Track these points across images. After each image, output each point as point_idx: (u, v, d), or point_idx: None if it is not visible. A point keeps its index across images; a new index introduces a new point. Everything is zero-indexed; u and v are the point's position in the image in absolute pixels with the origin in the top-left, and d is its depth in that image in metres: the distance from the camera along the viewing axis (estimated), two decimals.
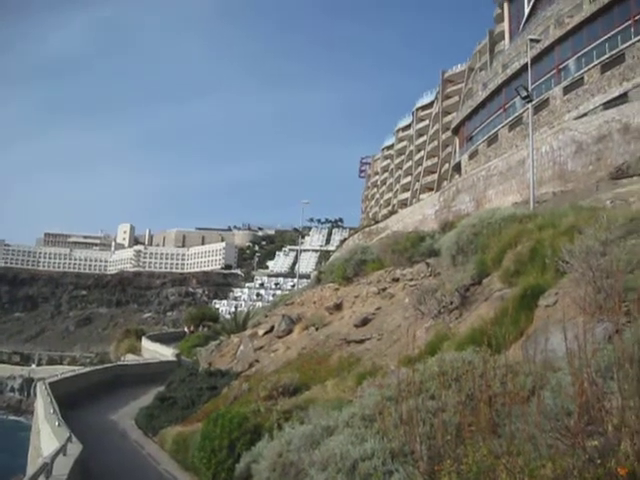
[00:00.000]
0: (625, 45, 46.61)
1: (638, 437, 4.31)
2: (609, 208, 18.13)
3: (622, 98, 44.75)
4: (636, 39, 45.79)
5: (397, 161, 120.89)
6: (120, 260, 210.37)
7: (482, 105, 66.97)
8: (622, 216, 11.84)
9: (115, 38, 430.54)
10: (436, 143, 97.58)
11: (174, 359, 38.35)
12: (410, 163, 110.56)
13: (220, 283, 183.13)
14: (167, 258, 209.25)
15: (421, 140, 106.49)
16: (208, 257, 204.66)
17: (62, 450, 11.39)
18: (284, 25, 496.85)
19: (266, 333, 27.18)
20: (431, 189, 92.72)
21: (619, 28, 47.90)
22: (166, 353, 43.07)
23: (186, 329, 63.96)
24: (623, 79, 46.20)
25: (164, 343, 50.01)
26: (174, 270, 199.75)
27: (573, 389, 4.95)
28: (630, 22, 46.84)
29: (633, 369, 4.88)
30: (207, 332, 48.55)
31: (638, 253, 8.77)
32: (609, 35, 48.72)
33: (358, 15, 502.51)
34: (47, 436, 14.52)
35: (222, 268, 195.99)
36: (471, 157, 66.47)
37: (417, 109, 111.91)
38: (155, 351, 46.52)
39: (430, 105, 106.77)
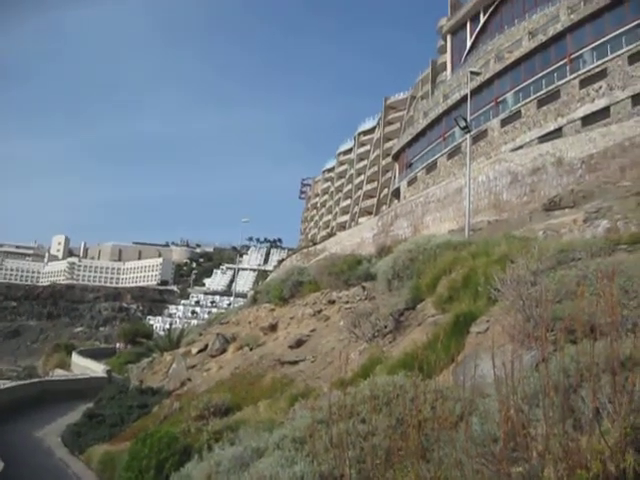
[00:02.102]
0: (561, 82, 48.28)
1: (561, 464, 4.41)
2: (541, 238, 18.61)
3: (557, 133, 46.23)
4: (571, 77, 47.48)
5: (337, 184, 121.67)
6: (53, 272, 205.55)
7: (422, 133, 68.18)
8: (553, 247, 12.18)
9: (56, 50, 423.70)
10: (376, 168, 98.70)
11: (105, 375, 37.59)
12: (350, 186, 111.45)
13: (155, 299, 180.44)
14: (102, 272, 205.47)
15: (362, 164, 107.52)
16: (144, 272, 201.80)
17: None
18: (233, 45, 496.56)
19: (200, 352, 26.88)
20: (370, 213, 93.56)
21: (556, 65, 49.65)
22: (97, 369, 42.19)
23: (118, 345, 62.79)
24: (558, 115, 47.76)
25: (95, 359, 49.01)
26: (109, 284, 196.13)
27: (500, 416, 5.04)
28: (566, 60, 48.57)
29: (558, 397, 5.00)
30: (140, 349, 47.73)
31: (567, 283, 9.02)
32: (546, 72, 50.44)
33: (314, 35, 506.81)
34: None
35: (158, 284, 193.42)
36: (410, 183, 67.44)
37: (359, 134, 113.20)
38: (86, 367, 45.56)
39: (372, 130, 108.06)
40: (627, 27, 45.15)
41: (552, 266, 10.75)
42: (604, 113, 44.13)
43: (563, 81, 48.15)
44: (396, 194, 73.84)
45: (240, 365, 21.00)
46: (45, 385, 32.61)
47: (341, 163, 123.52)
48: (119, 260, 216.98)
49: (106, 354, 57.07)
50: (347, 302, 20.94)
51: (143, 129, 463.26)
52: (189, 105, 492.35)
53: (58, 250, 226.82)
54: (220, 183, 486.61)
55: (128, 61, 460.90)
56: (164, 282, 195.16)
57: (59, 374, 44.62)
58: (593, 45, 47.12)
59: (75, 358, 51.86)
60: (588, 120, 44.80)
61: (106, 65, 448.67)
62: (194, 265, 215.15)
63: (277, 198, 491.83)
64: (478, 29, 68.87)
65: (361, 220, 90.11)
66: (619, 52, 44.67)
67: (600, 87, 45.23)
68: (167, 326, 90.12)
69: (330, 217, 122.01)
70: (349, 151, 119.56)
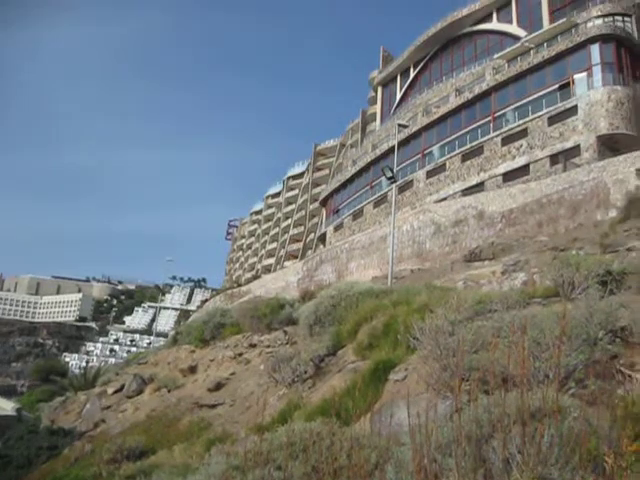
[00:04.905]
0: (484, 138, 50.10)
1: None
2: (461, 289, 19.05)
3: (479, 187, 47.78)
4: (494, 134, 49.34)
5: (264, 227, 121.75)
6: None
7: (350, 180, 69.29)
8: (471, 298, 12.48)
9: None
10: (304, 212, 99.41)
11: (14, 414, 36.07)
12: (277, 230, 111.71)
13: (73, 336, 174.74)
14: (17, 305, 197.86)
15: (289, 208, 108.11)
16: (62, 307, 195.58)
17: None
18: (163, 83, 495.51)
19: (116, 392, 26.18)
20: (296, 257, 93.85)
21: (480, 122, 51.56)
22: (6, 407, 40.42)
23: (22, 382, 60.66)
24: (481, 169, 49.39)
25: (4, 396, 47.04)
26: (24, 318, 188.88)
27: (414, 465, 5.10)
28: (490, 118, 50.48)
29: (470, 447, 5.10)
30: (53, 387, 46.10)
31: (483, 335, 9.22)
32: (471, 128, 52.30)
33: (249, 74, 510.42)
34: None
35: (76, 320, 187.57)
36: (336, 229, 68.15)
37: (288, 178, 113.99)
38: None
39: (301, 175, 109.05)
40: (547, 90, 47.43)
41: (470, 317, 11.00)
42: (524, 170, 45.95)
43: (486, 138, 50.02)
44: (322, 239, 74.46)
45: (157, 407, 20.55)
46: None
47: (269, 206, 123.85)
48: (36, 294, 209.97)
49: (17, 391, 55.04)
50: (268, 346, 20.84)
51: (65, 161, 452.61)
52: (115, 140, 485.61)
53: None
54: (145, 220, 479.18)
55: (54, 91, 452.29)
56: (83, 318, 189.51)
57: None
58: (515, 105, 49.28)
59: None
60: (509, 176, 46.59)
61: (29, 93, 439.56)
62: (115, 302, 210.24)
63: (203, 238, 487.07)
64: (408, 83, 71.03)
65: (287, 264, 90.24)
66: (539, 113, 46.79)
67: (521, 145, 47.13)
68: (84, 364, 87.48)
69: (256, 259, 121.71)
70: (277, 194, 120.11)
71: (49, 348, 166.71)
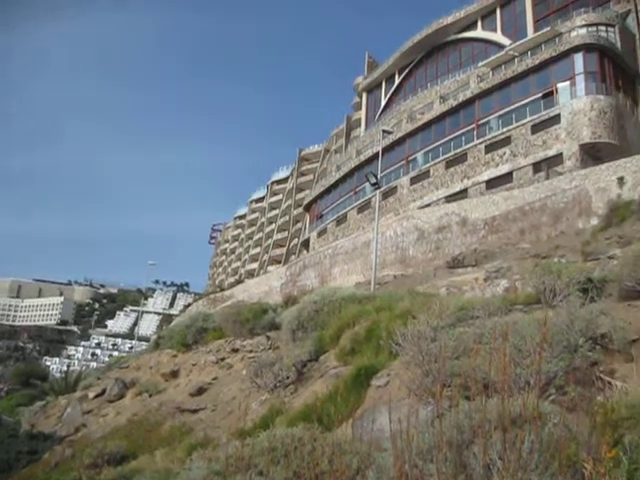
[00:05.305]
0: (468, 146, 50.38)
1: None
2: (443, 295, 19.12)
3: (462, 194, 48.02)
4: (478, 141, 49.62)
5: (248, 231, 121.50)
6: None
7: (335, 186, 69.37)
8: (453, 304, 12.53)
9: None
10: (288, 217, 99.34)
11: None
12: (261, 234, 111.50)
13: (54, 339, 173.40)
14: None
15: (273, 213, 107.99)
16: (44, 311, 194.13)
17: None
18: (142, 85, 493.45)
19: (97, 396, 25.98)
20: (279, 262, 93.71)
21: (464, 130, 51.85)
22: None
23: (1, 387, 60.02)
24: (464, 176, 49.65)
25: None
26: (4, 322, 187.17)
27: (395, 470, 5.11)
28: (474, 126, 50.77)
29: (451, 453, 5.12)
30: (34, 391, 45.71)
31: (465, 341, 9.26)
32: (455, 135, 52.57)
33: (235, 79, 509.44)
34: None
35: (58, 324, 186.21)
36: (320, 234, 68.15)
37: (272, 182, 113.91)
38: None
39: (285, 180, 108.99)
40: (531, 98, 47.79)
41: (452, 323, 11.05)
42: (507, 178, 46.25)
43: (470, 145, 50.32)
44: (306, 244, 74.43)
45: (138, 411, 20.44)
46: None
47: (253, 211, 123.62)
48: (17, 297, 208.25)
49: None
50: (251, 351, 20.79)
51: (54, 162, 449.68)
52: (101, 142, 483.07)
53: None
54: (128, 223, 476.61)
55: (36, 89, 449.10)
56: (64, 322, 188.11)
57: None
58: (499, 113, 49.60)
59: None
60: (492, 184, 46.87)
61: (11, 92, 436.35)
62: (97, 306, 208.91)
63: (187, 242, 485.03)
64: (393, 89, 71.34)
65: (270, 269, 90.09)
66: (523, 121, 47.14)
67: (504, 153, 47.44)
68: (65, 368, 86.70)
69: (239, 264, 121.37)
70: (261, 199, 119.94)
71: (30, 352, 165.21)
